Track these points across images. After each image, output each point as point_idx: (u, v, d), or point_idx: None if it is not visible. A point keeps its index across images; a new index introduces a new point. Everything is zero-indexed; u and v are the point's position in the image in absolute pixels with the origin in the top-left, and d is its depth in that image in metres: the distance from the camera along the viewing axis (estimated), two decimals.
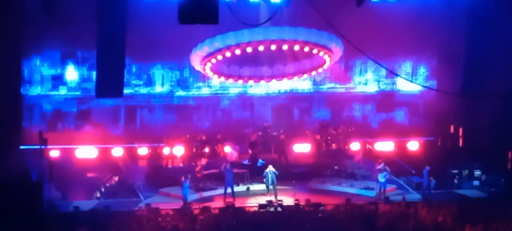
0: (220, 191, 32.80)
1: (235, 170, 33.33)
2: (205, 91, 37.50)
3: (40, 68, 35.16)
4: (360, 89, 38.34)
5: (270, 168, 32.21)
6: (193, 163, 34.43)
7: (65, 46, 34.84)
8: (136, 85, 36.54)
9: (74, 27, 32.27)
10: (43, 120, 35.25)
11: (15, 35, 28.61)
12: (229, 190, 32.24)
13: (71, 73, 35.79)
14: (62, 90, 35.86)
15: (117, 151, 34.64)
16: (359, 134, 37.23)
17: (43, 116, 35.46)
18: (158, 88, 36.99)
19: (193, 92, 37.39)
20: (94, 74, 34.70)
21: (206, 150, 35.43)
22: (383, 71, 37.19)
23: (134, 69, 36.26)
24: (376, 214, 27.65)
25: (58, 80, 35.69)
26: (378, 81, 38.32)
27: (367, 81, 38.31)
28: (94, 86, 33.44)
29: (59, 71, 35.64)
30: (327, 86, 38.28)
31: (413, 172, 33.89)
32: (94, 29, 30.77)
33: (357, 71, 38.10)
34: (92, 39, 31.23)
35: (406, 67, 37.79)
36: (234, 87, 37.28)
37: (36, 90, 35.21)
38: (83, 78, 35.90)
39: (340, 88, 38.30)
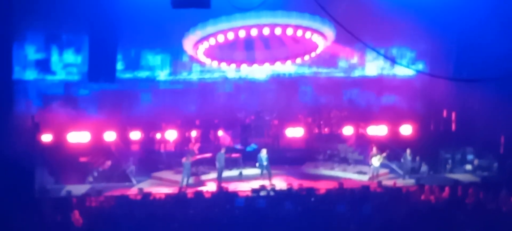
0: (213, 175, 32.89)
1: (228, 155, 33.42)
2: (197, 75, 37.38)
3: (26, 52, 34.89)
4: (353, 73, 38.26)
5: (264, 152, 32.31)
6: (186, 147, 34.44)
7: (51, 29, 34.53)
8: (128, 70, 36.37)
9: (60, 10, 32.03)
10: (33, 104, 35.05)
11: (6, 18, 28.47)
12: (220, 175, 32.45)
13: (59, 57, 35.53)
14: (51, 75, 35.61)
15: (110, 136, 34.54)
16: (351, 118, 37.23)
17: (33, 101, 35.25)
18: (150, 73, 36.82)
19: (185, 76, 37.26)
20: (80, 58, 34.65)
21: (194, 133, 35.47)
22: (376, 56, 37.08)
23: (125, 53, 36.05)
24: (369, 198, 27.65)
25: (45, 64, 35.41)
26: (371, 66, 38.23)
27: (360, 65, 38.22)
28: (87, 70, 33.39)
29: (45, 55, 35.36)
30: (320, 70, 38.19)
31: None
32: (82, 12, 30.71)
33: (350, 56, 37.99)
34: (79, 22, 31.20)
35: (398, 52, 37.70)
36: (227, 71, 37.16)
37: (24, 75, 34.95)
38: (70, 63, 35.65)
39: (333, 72, 38.22)
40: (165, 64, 37.01)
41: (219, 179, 32.23)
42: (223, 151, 32.76)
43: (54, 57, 35.35)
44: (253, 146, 35.49)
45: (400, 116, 36.70)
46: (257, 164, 32.66)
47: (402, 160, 33.63)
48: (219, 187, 30.67)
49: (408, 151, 33.27)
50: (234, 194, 28.66)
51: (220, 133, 35.98)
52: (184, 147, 34.82)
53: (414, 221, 24.18)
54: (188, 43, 32.65)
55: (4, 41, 28.65)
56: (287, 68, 37.46)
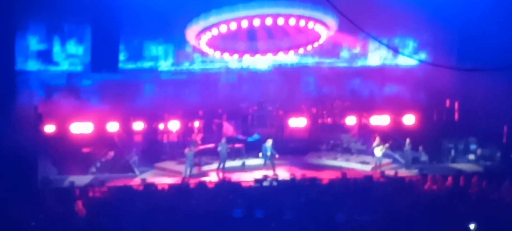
0: (216, 165, 32.92)
1: (231, 145, 33.44)
2: (199, 66, 37.35)
3: (28, 43, 34.82)
4: (355, 63, 38.20)
5: (269, 142, 32.30)
6: (189, 138, 34.45)
7: (53, 20, 34.49)
8: (131, 61, 36.32)
9: (62, 0, 31.99)
10: (36, 95, 34.98)
11: (8, 9, 28.45)
12: (221, 165, 32.45)
13: (61, 48, 35.45)
14: (53, 66, 35.54)
15: (113, 126, 34.54)
16: (354, 108, 37.21)
17: (36, 92, 35.18)
18: (152, 64, 36.77)
19: (188, 67, 37.23)
20: (82, 48, 34.66)
21: (197, 124, 35.48)
22: (378, 46, 36.98)
23: (128, 44, 35.98)
24: (372, 188, 27.64)
25: (47, 55, 35.33)
26: (374, 56, 38.16)
27: (362, 55, 38.15)
28: (89, 61, 33.43)
29: (47, 46, 35.29)
30: (322, 60, 38.14)
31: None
32: (84, 3, 30.73)
33: (353, 46, 37.93)
34: (81, 12, 31.22)
35: (401, 41, 37.63)
36: (229, 62, 37.12)
37: (27, 66, 34.88)
38: (73, 53, 35.57)
39: (336, 62, 38.17)
40: (168, 55, 36.99)
41: (220, 169, 32.26)
42: (224, 140, 32.76)
43: (57, 48, 35.34)
44: (255, 136, 35.52)
45: (403, 106, 36.67)
46: (260, 154, 32.66)
47: (404, 150, 33.62)
48: (222, 177, 30.72)
49: (407, 140, 33.25)
50: (237, 185, 28.66)
51: (223, 123, 35.93)
52: (187, 138, 34.84)
53: (417, 210, 24.17)
54: (190, 34, 32.63)
55: (6, 31, 28.60)
56: (290, 58, 37.44)
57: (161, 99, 36.65)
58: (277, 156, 32.57)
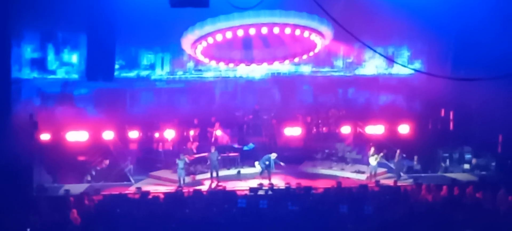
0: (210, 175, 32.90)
1: (222, 155, 33.44)
2: (195, 74, 37.35)
3: (24, 51, 34.75)
4: (351, 72, 38.22)
5: (274, 156, 32.33)
6: (184, 146, 34.43)
7: (49, 29, 34.44)
8: (126, 69, 36.31)
9: (58, 9, 31.96)
10: (32, 103, 34.94)
11: (4, 17, 28.48)
12: (214, 173, 32.42)
13: (57, 56, 35.38)
14: (49, 74, 35.47)
15: (108, 135, 34.49)
16: (349, 117, 37.20)
17: (32, 100, 35.15)
18: (148, 72, 36.76)
19: (183, 75, 37.22)
20: (78, 57, 34.66)
21: (192, 132, 35.48)
22: (374, 55, 36.98)
23: (124, 52, 35.95)
24: (367, 197, 27.66)
25: (43, 63, 35.26)
26: (369, 65, 38.18)
27: (358, 64, 38.17)
28: (85, 69, 33.45)
29: (43, 54, 35.20)
30: (318, 69, 38.17)
31: (404, 155, 33.89)
32: (80, 11, 30.76)
33: (348, 55, 37.96)
34: (77, 21, 31.27)
35: (396, 50, 37.66)
36: (225, 70, 37.14)
37: (22, 74, 34.81)
38: (68, 62, 35.50)
39: (331, 71, 38.21)
40: (164, 63, 36.97)
41: (213, 178, 32.24)
42: (213, 150, 32.72)
43: (52, 56, 35.31)
44: (251, 145, 35.49)
45: (398, 115, 36.67)
46: (256, 163, 32.66)
47: (395, 160, 33.60)
48: (215, 186, 30.73)
49: (398, 151, 33.23)
50: (232, 193, 28.67)
51: (218, 132, 35.91)
52: (182, 146, 34.79)
53: (412, 220, 24.22)
54: (186, 42, 32.61)
55: (2, 40, 28.64)
56: (285, 67, 37.45)
57: (157, 108, 36.65)
58: (282, 164, 32.65)
